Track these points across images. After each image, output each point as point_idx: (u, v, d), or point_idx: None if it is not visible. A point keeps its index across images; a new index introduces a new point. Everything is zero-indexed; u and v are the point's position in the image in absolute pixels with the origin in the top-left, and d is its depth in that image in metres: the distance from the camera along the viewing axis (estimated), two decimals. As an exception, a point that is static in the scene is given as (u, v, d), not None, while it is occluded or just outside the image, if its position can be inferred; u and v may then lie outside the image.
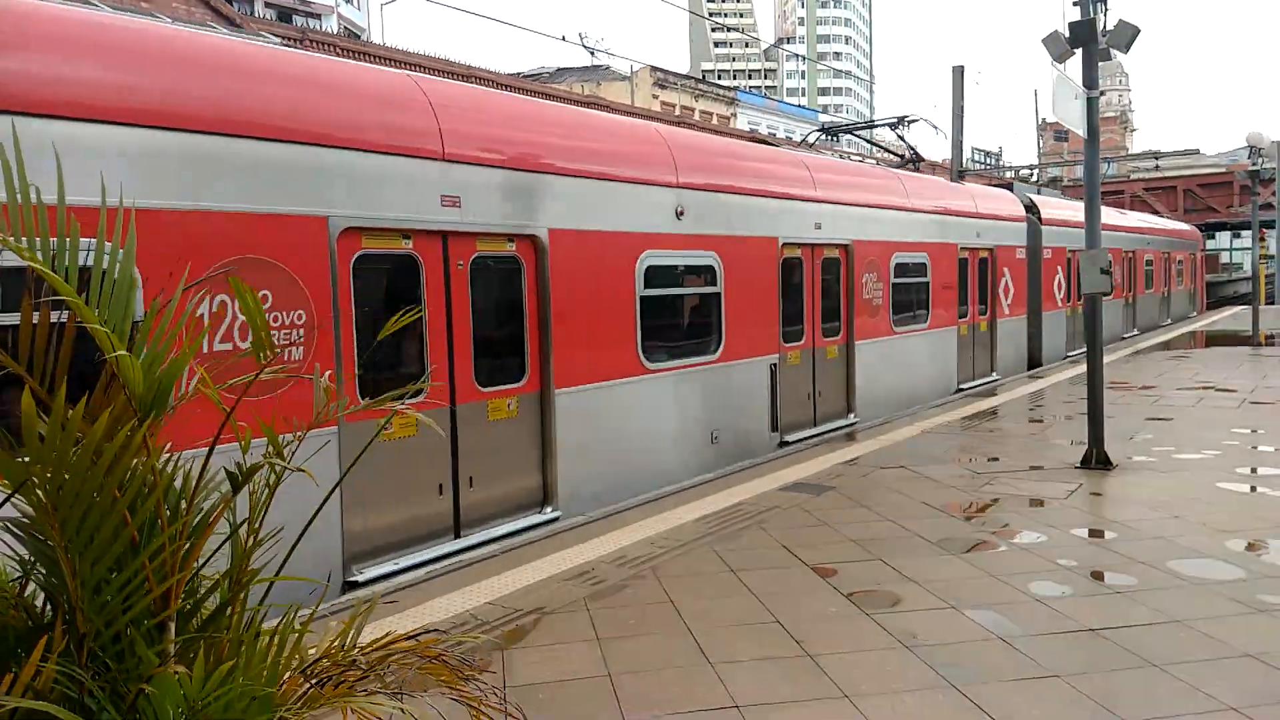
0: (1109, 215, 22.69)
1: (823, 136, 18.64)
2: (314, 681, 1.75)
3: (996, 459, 9.70)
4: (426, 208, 6.73)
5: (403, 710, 1.73)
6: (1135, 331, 25.91)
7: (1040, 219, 18.64)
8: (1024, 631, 5.04)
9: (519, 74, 43.92)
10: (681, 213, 9.25)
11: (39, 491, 1.48)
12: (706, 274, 9.69)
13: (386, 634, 1.94)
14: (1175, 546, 6.52)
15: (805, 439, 11.14)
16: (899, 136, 17.95)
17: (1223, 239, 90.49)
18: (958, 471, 9.17)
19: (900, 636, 5.00)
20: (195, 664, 1.55)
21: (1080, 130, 8.75)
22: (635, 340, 8.65)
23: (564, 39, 25.87)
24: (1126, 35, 8.91)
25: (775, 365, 10.72)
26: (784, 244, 10.84)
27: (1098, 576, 6.00)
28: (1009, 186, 19.87)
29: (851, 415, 12.35)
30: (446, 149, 6.90)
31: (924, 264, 14.02)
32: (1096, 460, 9.02)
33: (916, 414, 12.80)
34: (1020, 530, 7.07)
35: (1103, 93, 8.93)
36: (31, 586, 1.74)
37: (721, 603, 5.64)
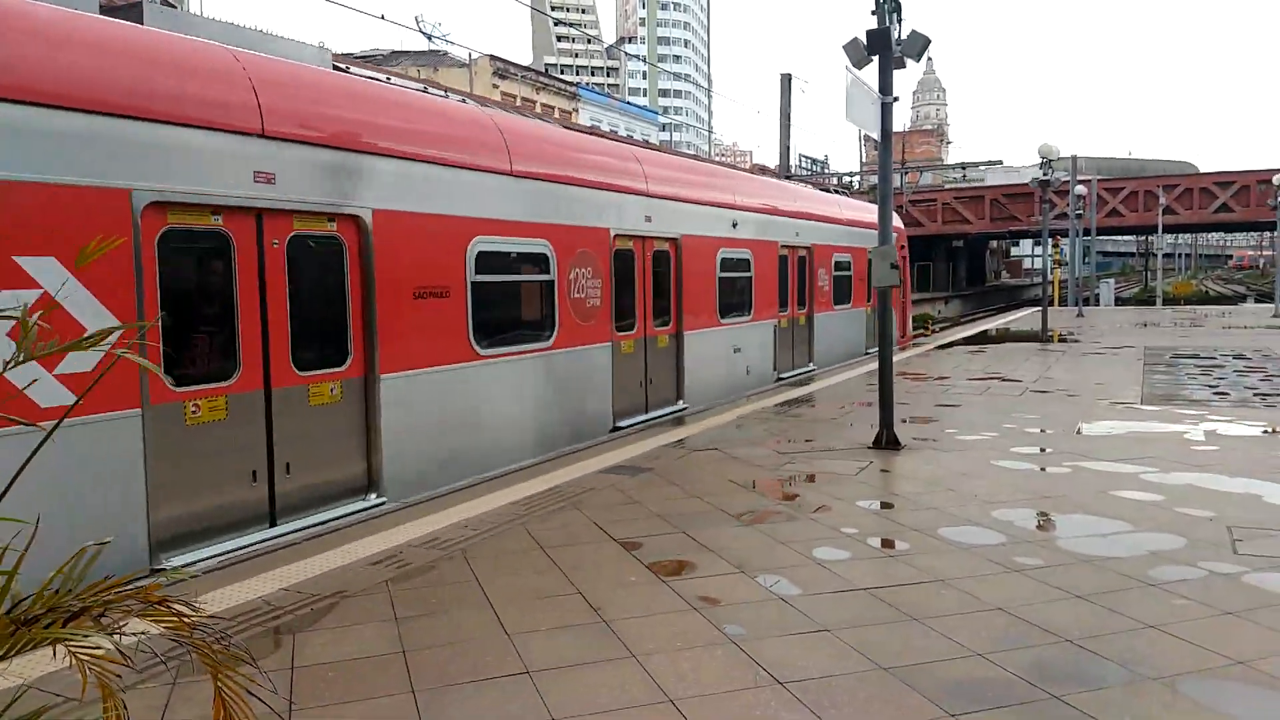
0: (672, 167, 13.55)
1: None
2: (21, 622, 1.72)
3: (799, 440, 10.24)
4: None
5: (120, 650, 1.73)
6: (683, 404, 12.89)
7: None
8: (802, 592, 5.39)
9: (350, 55, 42.48)
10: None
11: None
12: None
13: (105, 578, 1.92)
14: (947, 516, 7.10)
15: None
16: None
17: (1026, 246, 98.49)
18: (764, 452, 9.62)
19: (690, 600, 5.25)
20: None
21: (875, 134, 9.37)
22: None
23: (383, 17, 25.06)
24: (918, 45, 9.60)
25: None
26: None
27: (875, 542, 6.48)
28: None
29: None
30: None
31: None
32: (886, 441, 9.69)
33: (737, 400, 13.37)
34: (812, 503, 7.53)
35: (897, 98, 9.55)
36: None
37: (527, 578, 5.73)
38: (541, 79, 74.94)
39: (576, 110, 75.76)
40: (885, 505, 7.57)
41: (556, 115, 64.22)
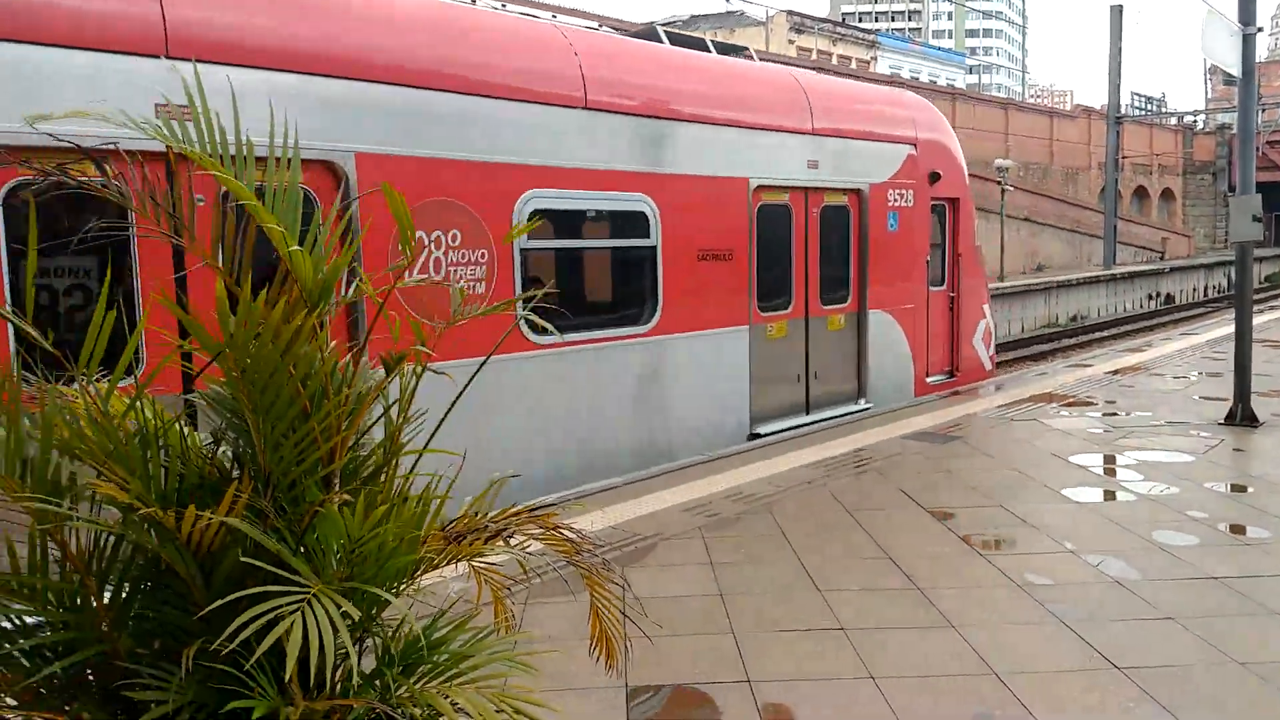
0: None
1: None
2: (452, 538, 2.05)
3: (1134, 413, 9.38)
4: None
5: (520, 563, 2.04)
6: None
7: None
8: (1143, 577, 4.99)
9: (652, 23, 43.70)
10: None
11: (234, 365, 1.84)
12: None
13: (512, 504, 2.23)
14: (1319, 505, 6.23)
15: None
16: None
17: None
18: (1093, 424, 8.93)
19: (1012, 576, 5.04)
20: (357, 506, 1.87)
21: (1234, 70, 8.20)
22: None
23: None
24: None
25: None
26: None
27: (1228, 529, 5.83)
28: None
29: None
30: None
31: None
32: (1241, 417, 8.59)
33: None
34: (1153, 482, 6.89)
35: (1260, 29, 8.31)
36: (220, 448, 2.11)
37: (833, 537, 5.78)
38: (839, 30, 72.89)
39: (875, 59, 73.02)
40: (1237, 488, 6.78)
41: (854, 65, 62.21)
